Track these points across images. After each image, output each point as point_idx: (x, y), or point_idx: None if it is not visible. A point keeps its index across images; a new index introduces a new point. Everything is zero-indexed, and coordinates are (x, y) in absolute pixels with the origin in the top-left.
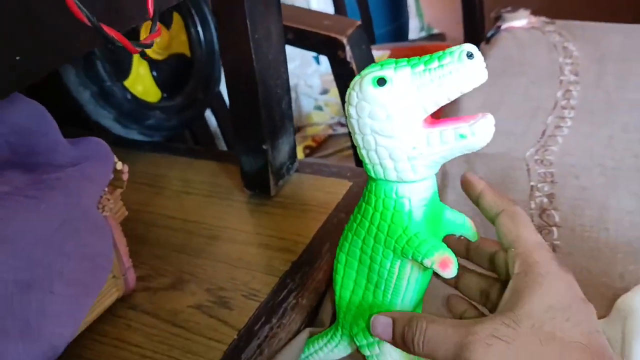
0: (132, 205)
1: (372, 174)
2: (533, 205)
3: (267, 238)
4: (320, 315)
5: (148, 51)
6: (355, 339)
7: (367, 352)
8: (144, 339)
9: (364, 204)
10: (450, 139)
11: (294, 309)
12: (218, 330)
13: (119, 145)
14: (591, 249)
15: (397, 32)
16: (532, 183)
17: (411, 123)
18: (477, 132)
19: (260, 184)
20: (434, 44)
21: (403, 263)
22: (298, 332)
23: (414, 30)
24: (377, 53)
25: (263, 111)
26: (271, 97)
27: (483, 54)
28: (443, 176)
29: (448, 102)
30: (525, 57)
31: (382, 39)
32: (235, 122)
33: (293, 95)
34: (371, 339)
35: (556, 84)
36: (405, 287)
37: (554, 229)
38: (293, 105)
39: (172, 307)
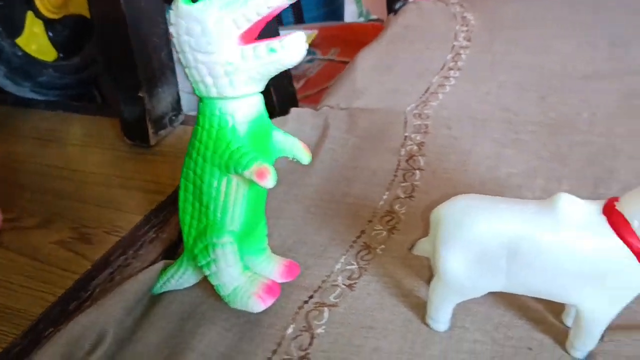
0: (19, 156)
1: (198, 92)
2: (403, 152)
3: (141, 183)
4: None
5: (42, 9)
6: (197, 261)
7: (207, 272)
8: (3, 272)
9: (196, 126)
10: (262, 53)
11: (152, 242)
12: (76, 262)
13: (17, 105)
14: (447, 187)
15: (330, 15)
16: (406, 133)
17: (225, 38)
18: (287, 46)
19: (139, 133)
20: (363, 23)
21: (229, 180)
22: (155, 262)
23: (352, 15)
24: (306, 32)
25: (138, 59)
26: (147, 45)
27: (388, 24)
28: (324, 131)
29: (259, 17)
30: (424, 26)
31: (313, 22)
32: (109, 70)
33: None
34: (209, 258)
35: (448, 49)
36: (233, 205)
37: (417, 171)
38: None
39: (36, 244)
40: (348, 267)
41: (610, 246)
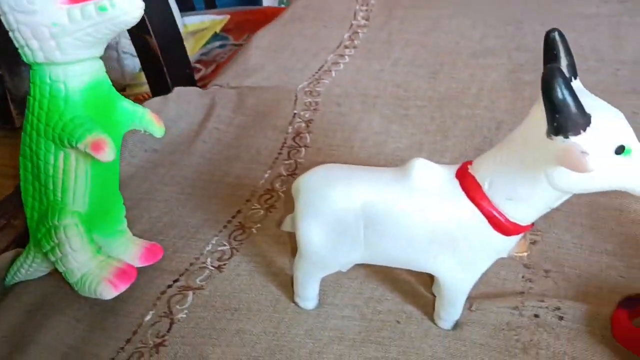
0: None
1: (25, 58)
2: (290, 130)
3: (1, 167)
4: None
5: None
6: (42, 246)
7: (52, 258)
8: None
9: (27, 97)
10: (92, 13)
11: (3, 230)
12: None
13: None
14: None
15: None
16: (295, 111)
17: None
18: (118, 4)
19: (1, 114)
20: (277, 7)
21: (67, 155)
22: (6, 251)
23: (272, 1)
24: (217, 17)
25: None
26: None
27: (290, 4)
28: (210, 110)
29: None
30: (324, 6)
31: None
32: None
33: (114, 54)
34: (52, 243)
35: (346, 27)
36: (75, 183)
37: (303, 149)
38: (115, 64)
39: None
40: (220, 248)
41: (461, 210)
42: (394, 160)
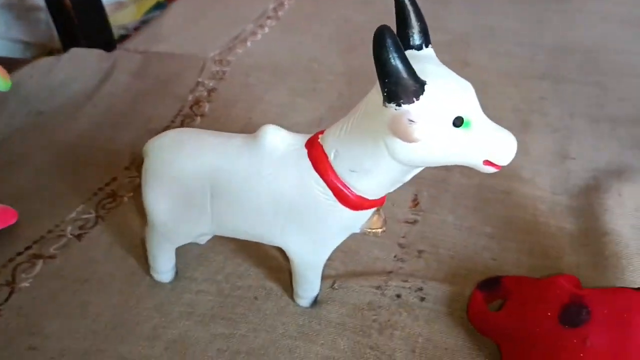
0: None
1: None
2: (190, 98)
3: None
4: None
5: None
6: None
7: None
8: None
9: None
10: None
11: None
12: None
13: None
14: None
15: None
16: (199, 79)
17: None
18: None
19: None
20: None
21: None
22: None
23: None
24: None
25: None
26: None
27: None
28: (108, 74)
29: None
30: None
31: None
32: None
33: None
34: None
35: None
36: None
37: (198, 118)
38: (44, 27)
39: None
40: (84, 216)
41: (306, 180)
42: None
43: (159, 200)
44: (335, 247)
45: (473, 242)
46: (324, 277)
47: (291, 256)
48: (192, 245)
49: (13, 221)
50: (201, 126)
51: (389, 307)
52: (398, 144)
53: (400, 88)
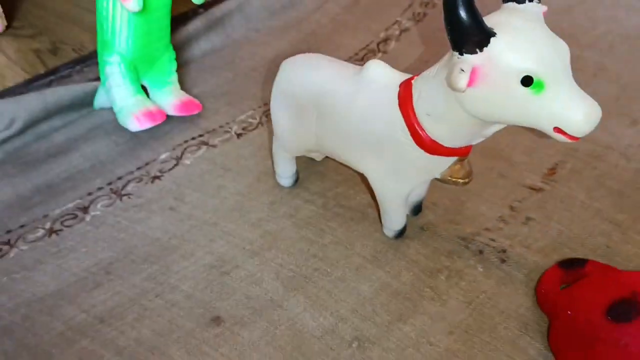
0: None
1: None
2: (382, 34)
3: None
4: None
5: None
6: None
7: (105, 87)
8: None
9: None
10: None
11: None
12: (36, 67)
13: None
14: None
15: None
16: (398, 18)
17: None
18: None
19: None
20: None
21: (114, 2)
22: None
23: None
24: None
25: None
26: None
27: None
28: None
29: None
30: None
31: None
32: None
33: None
34: (103, 75)
35: None
36: (120, 28)
37: (380, 54)
38: None
39: (18, 48)
40: (250, 120)
41: (391, 116)
42: None
43: (280, 111)
44: (413, 185)
45: (594, 224)
46: (420, 217)
47: (371, 182)
48: (316, 162)
49: (196, 111)
50: None
51: (467, 260)
52: (465, 94)
53: (463, 37)
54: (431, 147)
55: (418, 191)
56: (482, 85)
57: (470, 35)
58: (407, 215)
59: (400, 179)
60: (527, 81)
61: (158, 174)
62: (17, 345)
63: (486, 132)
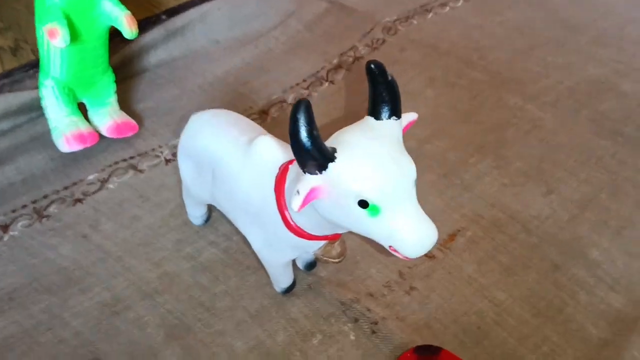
0: None
1: None
2: (335, 60)
3: None
4: None
5: None
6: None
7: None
8: None
9: None
10: None
11: None
12: None
13: None
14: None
15: None
16: (356, 43)
17: None
18: None
19: None
20: None
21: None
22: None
23: None
24: None
25: None
26: None
27: None
28: None
29: None
30: None
31: None
32: None
33: None
34: (40, 95)
35: None
36: (54, 55)
37: (326, 83)
38: None
39: None
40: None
41: (268, 197)
42: None
43: (184, 162)
44: (289, 257)
45: (473, 301)
46: (312, 274)
47: (253, 248)
48: None
49: (131, 133)
50: (324, 94)
51: (343, 326)
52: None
53: (304, 160)
54: (297, 232)
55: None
56: (326, 199)
57: (311, 159)
58: (300, 271)
59: (275, 252)
60: (363, 204)
61: (81, 196)
62: None
63: (341, 228)
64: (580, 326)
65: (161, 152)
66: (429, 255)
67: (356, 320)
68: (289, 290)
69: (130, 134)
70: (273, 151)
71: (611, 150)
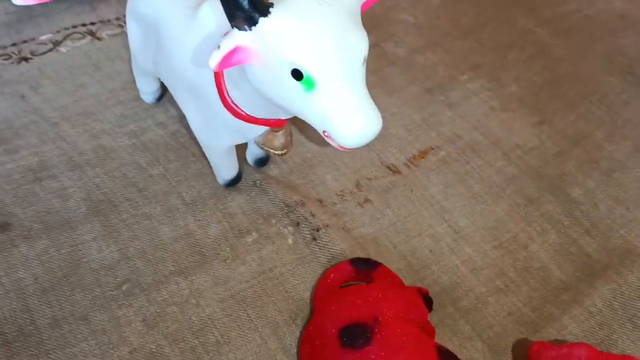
0: None
1: None
2: None
3: None
4: None
5: None
6: None
7: None
8: None
9: None
10: None
11: None
12: None
13: None
14: None
15: None
16: None
17: None
18: None
19: None
20: None
21: None
22: None
23: None
24: None
25: None
26: None
27: None
28: None
29: None
30: None
31: None
32: None
33: None
34: None
35: None
36: None
37: None
38: None
39: None
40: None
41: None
42: None
43: (131, 26)
44: (227, 144)
45: (430, 224)
46: (261, 171)
47: (191, 127)
48: None
49: None
50: None
51: (282, 229)
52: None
53: (232, 9)
54: (233, 111)
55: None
56: (258, 65)
57: (239, 10)
58: (248, 166)
59: (212, 134)
60: (297, 75)
61: (29, 55)
62: None
63: (278, 108)
64: (542, 266)
65: (124, 23)
66: (393, 170)
67: (297, 224)
68: (232, 183)
69: None
70: (219, 18)
71: (618, 89)
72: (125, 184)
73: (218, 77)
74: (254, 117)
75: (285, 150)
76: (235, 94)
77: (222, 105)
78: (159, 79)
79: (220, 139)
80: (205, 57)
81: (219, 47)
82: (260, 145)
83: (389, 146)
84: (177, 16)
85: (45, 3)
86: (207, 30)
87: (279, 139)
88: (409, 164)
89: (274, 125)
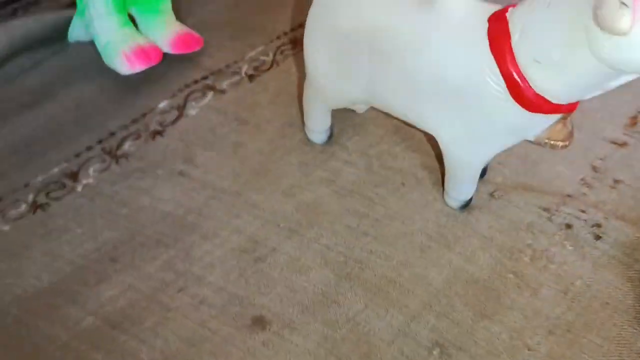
0: None
1: None
2: None
3: None
4: None
5: None
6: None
7: (86, 21)
8: None
9: None
10: None
11: None
12: None
13: None
14: None
15: None
16: None
17: None
18: None
19: None
20: None
21: None
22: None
23: None
24: None
25: None
26: None
27: None
28: None
29: None
30: None
31: None
32: None
33: None
34: (82, 4)
35: None
36: None
37: None
38: None
39: None
40: (262, 57)
41: (478, 61)
42: None
43: (318, 51)
44: (498, 151)
45: None
46: (486, 181)
47: (443, 148)
48: (353, 113)
49: (197, 48)
50: None
51: (553, 236)
52: (602, 35)
53: None
54: (534, 103)
55: None
56: None
57: None
58: None
59: (482, 142)
60: None
61: (159, 128)
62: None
63: (611, 84)
64: None
65: (239, 68)
66: (618, 142)
67: (569, 227)
68: (468, 203)
69: (197, 47)
70: (468, 2)
71: None
72: (357, 235)
73: (506, 67)
74: (560, 105)
75: (570, 140)
76: (547, 82)
77: (513, 100)
78: (331, 116)
79: (493, 146)
80: (468, 54)
81: (623, 3)
82: (544, 140)
83: (597, 121)
84: (403, 17)
85: (144, 69)
86: (462, 20)
87: (567, 127)
88: (629, 133)
89: (570, 110)
